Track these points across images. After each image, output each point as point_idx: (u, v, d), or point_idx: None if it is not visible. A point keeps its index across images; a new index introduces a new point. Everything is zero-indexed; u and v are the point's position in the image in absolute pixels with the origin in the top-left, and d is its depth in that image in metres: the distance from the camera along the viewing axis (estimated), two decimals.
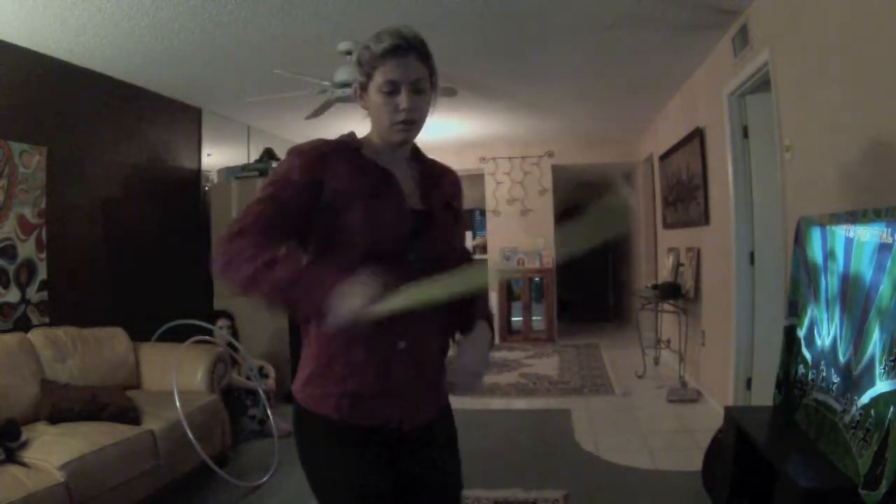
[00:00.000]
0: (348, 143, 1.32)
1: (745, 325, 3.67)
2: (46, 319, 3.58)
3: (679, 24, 3.56)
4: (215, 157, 5.90)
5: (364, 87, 1.29)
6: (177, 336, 3.69)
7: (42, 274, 3.59)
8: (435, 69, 1.30)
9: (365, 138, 1.35)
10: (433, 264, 1.24)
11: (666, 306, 5.24)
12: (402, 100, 1.24)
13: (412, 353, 1.29)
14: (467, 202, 1.62)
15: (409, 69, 1.24)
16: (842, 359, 1.92)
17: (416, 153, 1.42)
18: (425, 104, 1.29)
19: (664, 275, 5.72)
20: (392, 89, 1.24)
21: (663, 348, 5.82)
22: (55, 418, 2.76)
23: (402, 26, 1.27)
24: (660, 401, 4.58)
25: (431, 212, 1.34)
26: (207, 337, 3.77)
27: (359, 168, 1.28)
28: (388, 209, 1.27)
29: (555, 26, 3.58)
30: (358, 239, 1.23)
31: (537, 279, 7.77)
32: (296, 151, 1.28)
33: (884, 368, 1.64)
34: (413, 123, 1.28)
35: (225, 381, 3.62)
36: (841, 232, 2.01)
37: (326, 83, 3.86)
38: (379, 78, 1.24)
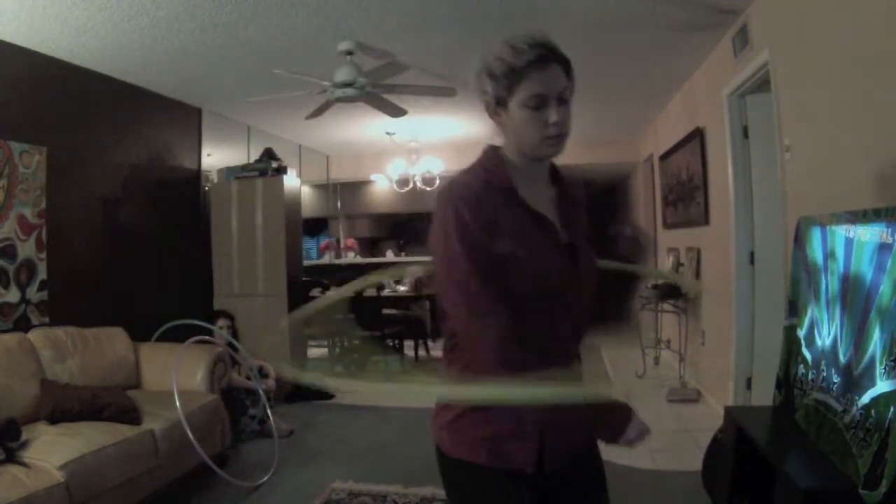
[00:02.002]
0: (499, 180, 1.20)
1: (745, 326, 3.67)
2: (46, 319, 3.58)
3: (679, 24, 3.56)
4: (215, 157, 5.91)
5: (501, 103, 1.18)
6: (177, 336, 3.69)
7: (42, 274, 3.59)
8: (574, 77, 1.22)
9: (505, 160, 1.23)
10: (587, 303, 1.20)
11: (666, 306, 5.24)
12: (552, 113, 1.16)
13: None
14: None
15: (555, 80, 1.17)
16: (842, 359, 1.92)
17: (554, 169, 1.30)
18: (569, 115, 1.21)
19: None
20: (540, 103, 1.16)
21: (663, 348, 5.82)
22: (55, 418, 2.75)
23: (538, 34, 1.18)
24: (660, 401, 4.58)
25: (575, 244, 1.23)
26: (207, 337, 3.77)
27: (512, 208, 1.18)
28: (545, 251, 1.18)
29: (555, 26, 3.57)
30: (522, 287, 1.14)
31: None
32: (459, 200, 1.15)
33: (884, 368, 1.64)
34: (563, 137, 1.20)
35: (225, 381, 3.62)
36: (841, 232, 2.01)
37: (326, 83, 3.86)
38: (523, 92, 1.15)
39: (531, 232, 1.18)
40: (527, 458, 1.18)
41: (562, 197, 1.27)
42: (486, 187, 1.19)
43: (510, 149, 1.23)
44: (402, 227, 10.05)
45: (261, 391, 3.79)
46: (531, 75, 1.14)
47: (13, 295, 3.41)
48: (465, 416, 1.21)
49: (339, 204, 8.70)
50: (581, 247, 1.24)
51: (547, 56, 1.15)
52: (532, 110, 1.16)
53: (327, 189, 8.46)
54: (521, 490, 1.20)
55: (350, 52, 3.73)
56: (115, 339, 3.56)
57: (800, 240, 2.38)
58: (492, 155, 1.24)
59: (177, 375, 3.15)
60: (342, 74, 3.77)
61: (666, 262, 5.76)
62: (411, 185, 7.27)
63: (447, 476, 1.26)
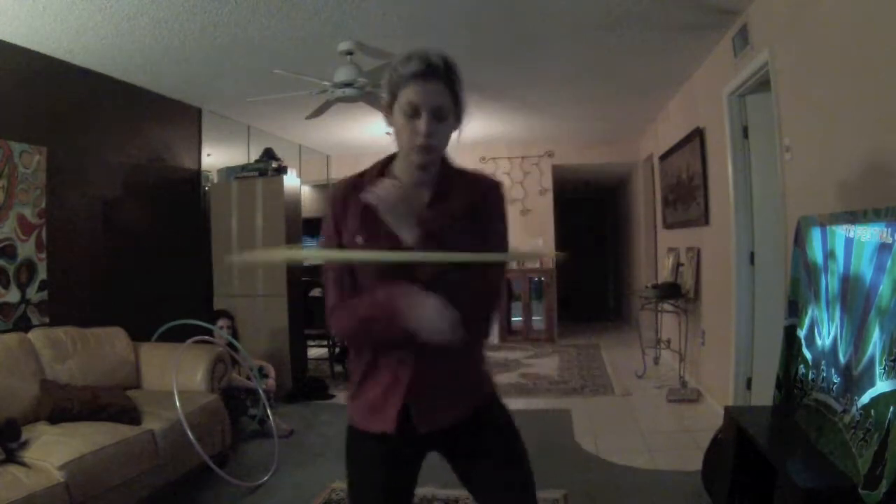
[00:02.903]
0: (372, 180, 1.33)
1: (745, 325, 3.67)
2: (46, 319, 3.58)
3: (679, 24, 3.56)
4: (215, 157, 5.91)
5: (390, 107, 1.30)
6: (177, 336, 3.69)
7: (42, 274, 3.59)
8: (461, 99, 1.29)
9: (393, 164, 1.37)
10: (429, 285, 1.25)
11: (666, 306, 5.24)
12: (422, 124, 1.24)
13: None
14: None
15: (432, 95, 1.23)
16: (842, 359, 1.92)
17: (447, 172, 1.37)
18: (445, 131, 1.29)
19: (664, 275, 5.72)
20: (413, 112, 1.25)
21: (663, 348, 5.82)
22: (55, 418, 2.75)
23: (432, 51, 1.26)
24: (660, 401, 4.58)
25: (433, 231, 1.29)
26: (207, 337, 3.77)
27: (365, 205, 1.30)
28: (384, 244, 1.28)
29: (555, 26, 3.58)
30: (364, 273, 1.32)
31: (537, 279, 7.77)
32: (328, 199, 1.37)
33: (884, 368, 1.64)
34: (430, 149, 1.27)
35: (225, 381, 3.62)
36: (841, 232, 2.01)
37: (326, 83, 3.86)
38: (402, 98, 1.25)
39: (379, 227, 1.28)
40: (388, 420, 1.32)
41: (437, 199, 1.33)
42: (357, 185, 1.33)
43: (400, 153, 1.34)
44: None
45: (261, 391, 3.79)
46: (410, 85, 1.23)
47: (13, 295, 3.41)
48: (354, 386, 1.41)
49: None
50: (439, 235, 1.28)
51: (429, 71, 1.23)
52: (407, 117, 1.25)
53: (327, 189, 8.46)
54: (388, 450, 1.37)
55: (350, 52, 3.73)
56: (115, 339, 3.56)
57: (800, 240, 2.38)
58: (384, 159, 1.38)
59: (177, 375, 3.15)
60: (342, 74, 3.77)
61: (666, 262, 5.76)
62: None
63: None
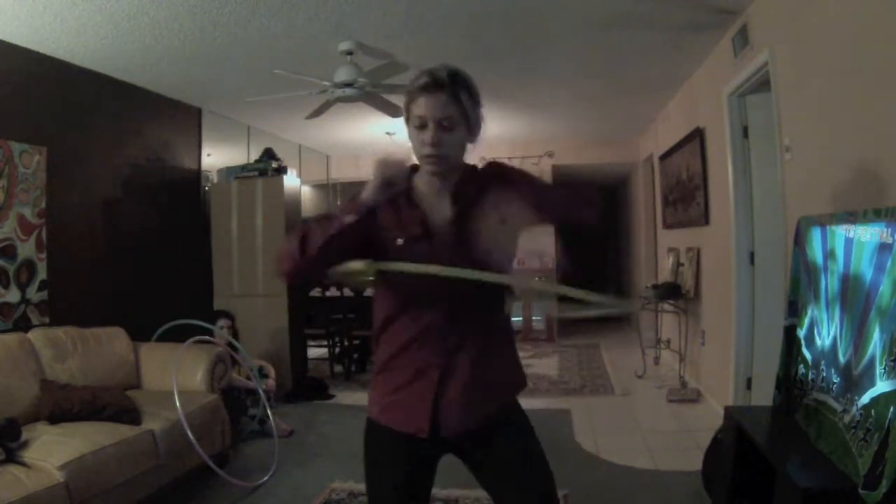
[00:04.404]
0: (405, 182, 1.42)
1: (745, 325, 3.67)
2: (46, 319, 3.58)
3: (679, 24, 3.56)
4: (215, 157, 5.91)
5: (406, 120, 1.39)
6: (177, 336, 3.69)
7: (42, 274, 3.59)
8: (469, 110, 1.34)
9: (418, 171, 1.45)
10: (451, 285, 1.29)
11: (666, 306, 5.24)
12: (428, 135, 1.32)
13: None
14: None
15: (437, 107, 1.30)
16: (842, 359, 1.92)
17: (467, 178, 1.43)
18: (454, 141, 1.35)
19: (664, 275, 5.72)
20: (420, 124, 1.33)
21: (663, 348, 5.82)
22: (55, 418, 2.75)
23: (441, 66, 1.34)
24: (660, 401, 4.58)
25: (448, 234, 1.37)
26: (207, 337, 3.77)
27: (401, 203, 1.40)
28: (412, 236, 1.37)
29: (555, 26, 3.58)
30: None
31: (537, 279, 7.77)
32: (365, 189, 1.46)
33: (884, 368, 1.64)
34: (438, 158, 1.34)
35: (225, 381, 3.62)
36: (841, 232, 2.01)
37: (326, 83, 3.86)
38: (412, 112, 1.34)
39: (407, 221, 1.38)
40: (419, 423, 1.36)
41: (458, 198, 1.39)
42: (390, 185, 1.42)
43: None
44: None
45: (261, 391, 3.79)
46: (418, 99, 1.32)
47: (13, 295, 3.41)
48: (374, 380, 1.47)
49: (339, 204, 8.69)
50: (454, 236, 1.37)
51: (433, 85, 1.31)
52: (416, 129, 1.35)
53: (327, 189, 8.46)
54: (410, 448, 1.40)
55: (350, 52, 3.73)
56: (115, 339, 3.56)
57: (800, 240, 2.38)
58: (408, 169, 1.46)
59: (177, 375, 3.15)
60: (342, 74, 3.77)
61: (666, 262, 5.77)
62: None
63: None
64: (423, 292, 1.35)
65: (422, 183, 1.42)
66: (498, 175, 1.44)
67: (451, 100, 1.31)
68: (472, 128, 1.38)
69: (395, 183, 1.36)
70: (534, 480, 1.42)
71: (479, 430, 1.38)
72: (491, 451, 1.41)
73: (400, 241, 1.37)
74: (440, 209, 1.39)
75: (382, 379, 1.44)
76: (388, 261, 1.35)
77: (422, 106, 1.31)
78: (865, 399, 1.72)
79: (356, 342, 6.02)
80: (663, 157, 5.76)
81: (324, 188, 8.46)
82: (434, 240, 1.37)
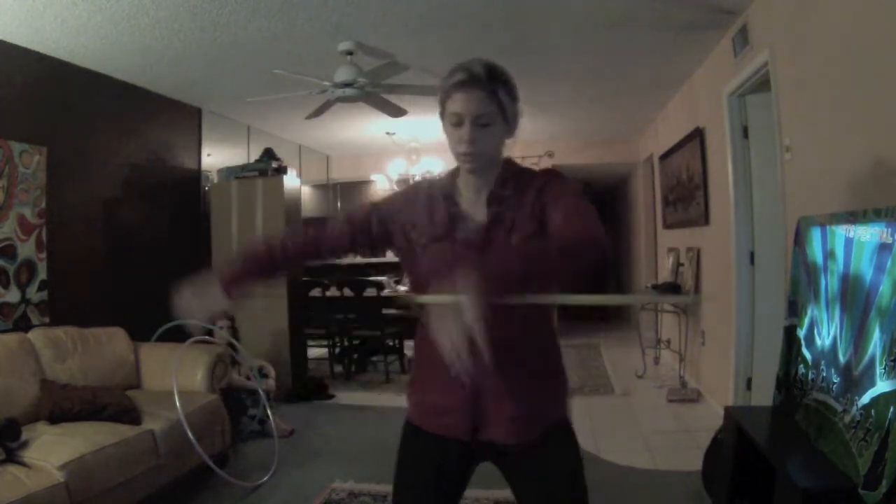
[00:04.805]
0: (441, 183, 1.42)
1: (745, 325, 3.67)
2: (46, 319, 3.58)
3: (679, 24, 3.56)
4: (215, 157, 5.91)
5: (441, 117, 1.34)
6: (177, 336, 3.69)
7: (42, 274, 3.59)
8: (506, 106, 1.29)
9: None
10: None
11: (666, 306, 5.24)
12: (464, 132, 1.27)
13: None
14: None
15: (473, 103, 1.25)
16: (842, 359, 1.92)
17: (507, 174, 1.36)
18: (490, 138, 1.30)
19: (664, 275, 5.72)
20: (457, 121, 1.28)
21: (663, 348, 5.82)
22: (55, 418, 2.75)
23: (477, 61, 1.28)
24: (660, 401, 4.58)
25: (486, 235, 1.31)
26: (207, 337, 3.77)
27: (439, 203, 1.37)
28: (446, 238, 1.34)
29: (555, 26, 3.58)
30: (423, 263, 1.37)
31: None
32: (401, 188, 1.53)
33: (884, 368, 1.64)
34: (474, 156, 1.29)
35: (225, 381, 3.62)
36: (841, 232, 2.01)
37: (326, 83, 3.86)
38: (447, 109, 1.29)
39: (443, 222, 1.35)
40: (459, 426, 1.33)
41: (494, 202, 1.34)
42: (431, 186, 1.44)
43: None
44: None
45: (261, 391, 3.79)
46: (454, 95, 1.27)
47: (13, 295, 3.41)
48: (413, 380, 1.46)
49: (339, 204, 8.70)
50: (493, 238, 1.31)
51: (468, 81, 1.25)
52: (452, 126, 1.30)
53: (327, 189, 8.46)
54: (445, 453, 1.36)
55: (350, 52, 3.73)
56: (115, 339, 3.56)
57: (800, 240, 2.38)
58: (454, 169, 1.42)
59: (177, 375, 3.15)
60: (342, 74, 3.77)
61: (666, 262, 5.76)
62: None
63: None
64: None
65: (462, 183, 1.38)
66: (546, 183, 1.34)
67: (489, 96, 1.26)
68: (509, 124, 1.33)
69: None
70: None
71: (524, 442, 1.32)
72: (528, 473, 1.35)
73: (423, 242, 1.35)
74: (478, 210, 1.35)
75: (422, 379, 1.41)
76: (411, 261, 1.36)
77: (458, 102, 1.26)
78: (865, 399, 1.72)
79: (356, 342, 6.02)
80: (663, 157, 5.76)
81: (324, 188, 8.46)
82: (460, 243, 1.32)
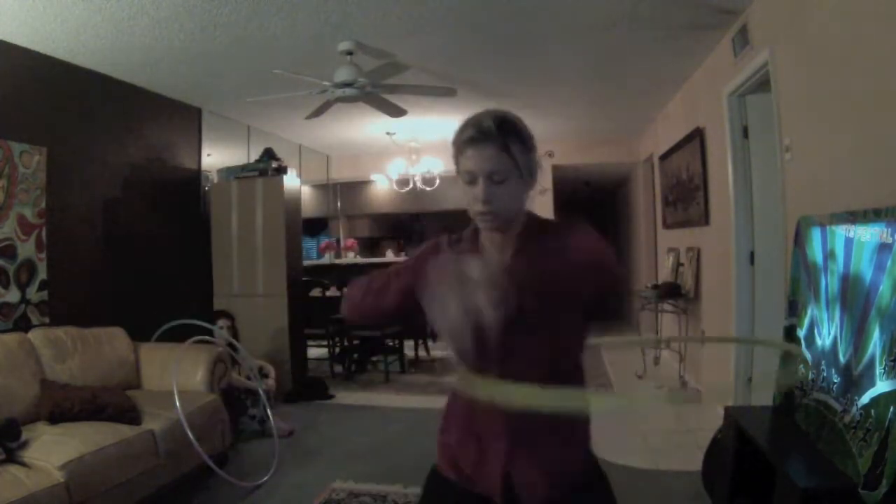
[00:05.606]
0: (466, 239, 1.35)
1: (745, 325, 3.67)
2: (46, 319, 3.58)
3: (679, 24, 3.56)
4: (215, 157, 5.90)
5: (457, 172, 1.27)
6: (177, 336, 3.69)
7: (42, 274, 3.59)
8: (520, 158, 1.22)
9: None
10: (522, 373, 1.16)
11: (666, 306, 5.24)
12: (479, 190, 1.21)
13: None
14: None
15: (485, 160, 1.19)
16: (842, 359, 1.92)
17: (532, 228, 1.29)
18: (507, 194, 1.22)
19: (664, 275, 5.72)
20: (470, 179, 1.22)
21: (663, 348, 5.82)
22: (55, 418, 2.75)
23: (487, 114, 1.23)
24: (660, 401, 4.58)
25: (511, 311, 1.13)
26: (207, 337, 3.77)
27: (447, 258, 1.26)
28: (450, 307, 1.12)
29: (555, 26, 3.58)
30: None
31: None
32: (427, 246, 1.40)
33: (884, 368, 1.64)
34: (491, 214, 1.22)
35: (225, 381, 3.62)
36: (841, 232, 2.01)
37: (326, 83, 3.86)
38: (461, 167, 1.24)
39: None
40: (491, 484, 1.26)
41: (518, 255, 1.27)
42: (452, 245, 1.36)
43: None
44: (402, 227, 10.06)
45: (261, 391, 3.80)
46: (466, 152, 1.21)
47: (13, 295, 3.41)
48: (447, 425, 1.37)
49: (339, 204, 8.70)
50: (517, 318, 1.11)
51: (480, 137, 1.20)
52: (466, 184, 1.23)
53: (327, 189, 8.46)
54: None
55: (350, 52, 3.73)
56: (115, 339, 3.56)
57: (800, 240, 2.38)
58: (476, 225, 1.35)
59: (177, 375, 3.15)
60: (342, 74, 3.77)
61: (666, 262, 5.76)
62: (411, 185, 7.27)
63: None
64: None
65: (485, 240, 1.32)
66: (571, 235, 1.25)
67: (501, 151, 1.19)
68: (526, 176, 1.25)
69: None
70: None
71: (558, 499, 1.27)
72: None
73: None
74: (501, 260, 1.28)
75: (454, 423, 1.33)
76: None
77: (470, 160, 1.20)
78: (865, 399, 1.72)
79: (356, 342, 6.02)
80: (663, 157, 5.76)
81: (324, 188, 8.47)
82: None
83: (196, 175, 5.27)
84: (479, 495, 1.29)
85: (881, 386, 1.65)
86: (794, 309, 2.39)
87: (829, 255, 2.10)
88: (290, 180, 5.08)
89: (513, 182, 1.23)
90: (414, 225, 9.88)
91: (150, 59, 3.89)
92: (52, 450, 2.42)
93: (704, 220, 4.47)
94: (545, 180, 7.62)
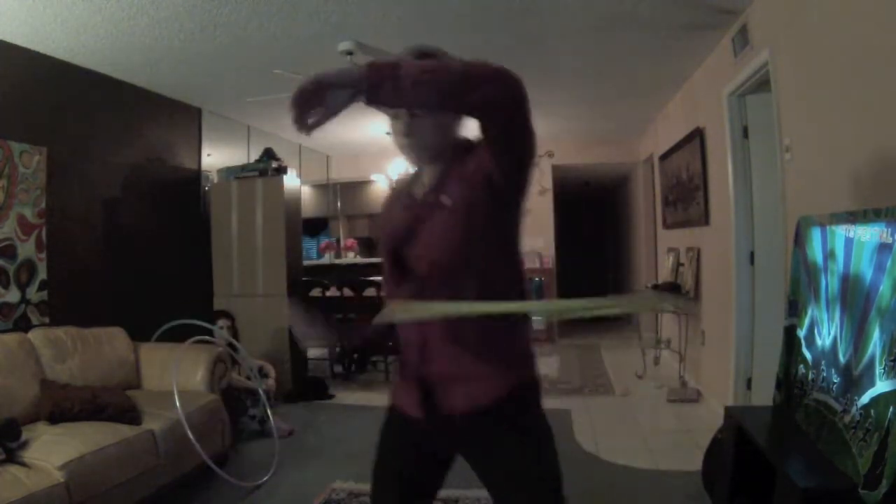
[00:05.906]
0: (405, 182, 1.43)
1: (745, 325, 3.67)
2: (46, 319, 3.58)
3: (679, 24, 3.56)
4: (215, 157, 5.91)
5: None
6: (177, 336, 3.69)
7: (42, 274, 3.59)
8: None
9: None
10: (430, 272, 1.23)
11: (666, 306, 5.23)
12: (399, 124, 1.24)
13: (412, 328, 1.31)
14: None
15: None
16: (842, 359, 1.92)
17: (467, 151, 1.26)
18: (430, 125, 1.21)
19: (664, 275, 5.71)
20: (394, 114, 1.24)
21: (663, 348, 5.82)
22: (55, 418, 2.75)
23: (408, 49, 1.26)
24: (660, 401, 4.58)
25: (423, 210, 1.26)
26: (207, 337, 3.77)
27: (402, 194, 1.38)
28: (396, 218, 1.34)
29: (554, 27, 3.58)
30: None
31: (537, 279, 7.77)
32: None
33: (884, 368, 1.64)
34: (412, 147, 1.24)
35: (225, 381, 3.62)
36: (841, 232, 2.01)
37: None
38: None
39: (399, 207, 1.34)
40: (412, 403, 1.30)
41: (443, 176, 1.27)
42: (398, 184, 1.47)
43: None
44: None
45: (261, 391, 3.79)
46: None
47: (13, 295, 3.41)
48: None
49: (339, 204, 8.70)
50: (428, 214, 1.25)
51: None
52: (392, 120, 1.26)
53: (327, 189, 8.46)
54: (411, 434, 1.34)
55: (350, 52, 3.73)
56: (115, 339, 3.56)
57: (800, 240, 2.38)
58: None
59: (177, 375, 3.15)
60: None
61: (666, 262, 5.76)
62: None
63: None
64: (394, 264, 1.32)
65: (427, 175, 1.32)
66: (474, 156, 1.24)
67: None
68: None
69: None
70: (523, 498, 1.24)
71: (475, 426, 1.23)
72: (487, 458, 1.27)
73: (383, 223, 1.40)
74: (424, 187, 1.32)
75: (399, 359, 1.42)
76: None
77: None
78: (865, 399, 1.72)
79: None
80: (663, 157, 5.76)
81: (324, 188, 8.47)
82: (411, 211, 1.28)
83: (196, 175, 5.27)
84: (410, 417, 1.32)
85: (881, 386, 1.65)
86: (794, 309, 2.39)
87: (829, 255, 2.10)
88: (290, 180, 5.08)
89: (429, 116, 1.22)
90: None
91: (150, 59, 3.89)
92: (52, 450, 2.42)
93: (704, 220, 4.47)
94: (545, 180, 7.63)
